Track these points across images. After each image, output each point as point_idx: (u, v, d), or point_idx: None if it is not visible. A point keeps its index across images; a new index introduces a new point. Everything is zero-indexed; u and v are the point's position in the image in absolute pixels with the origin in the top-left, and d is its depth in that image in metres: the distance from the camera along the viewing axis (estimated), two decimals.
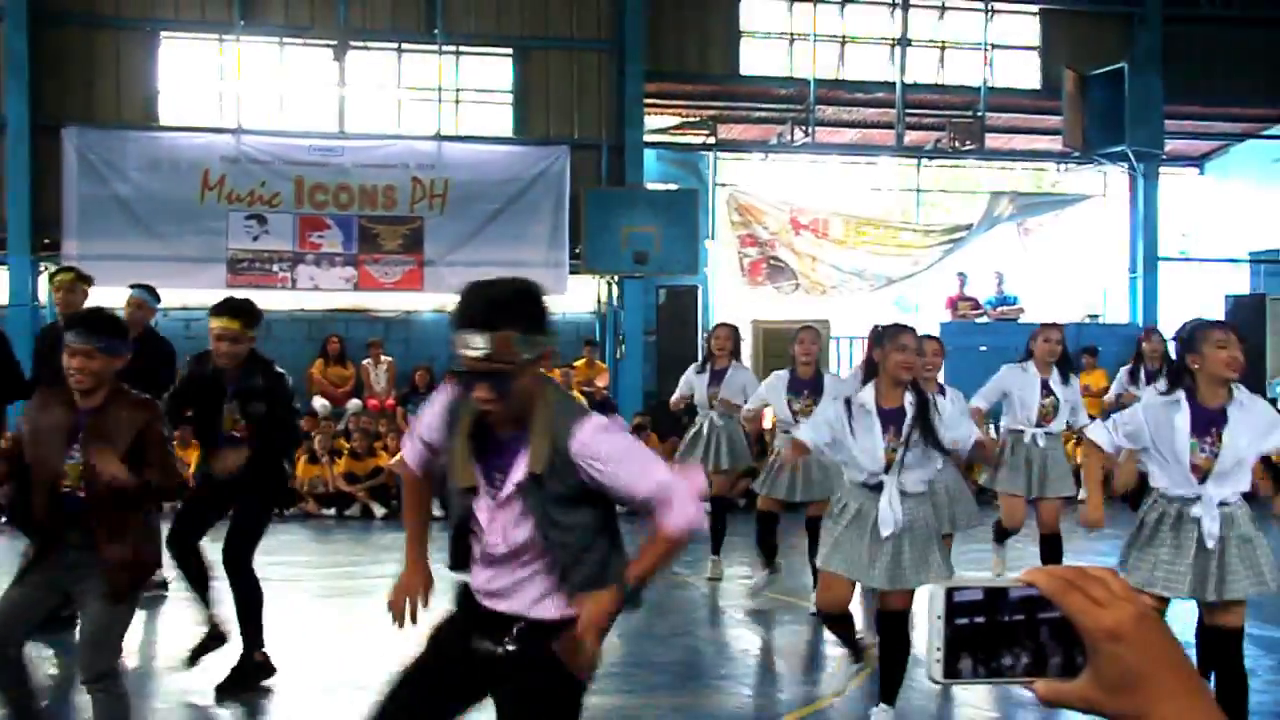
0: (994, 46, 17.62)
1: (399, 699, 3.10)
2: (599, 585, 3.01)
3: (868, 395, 5.12)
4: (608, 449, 2.97)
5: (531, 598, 3.04)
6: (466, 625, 3.13)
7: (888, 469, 5.06)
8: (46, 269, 15.01)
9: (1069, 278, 18.07)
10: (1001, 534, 8.33)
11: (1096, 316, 18.12)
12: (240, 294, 6.39)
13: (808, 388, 7.86)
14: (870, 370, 5.26)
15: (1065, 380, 7.88)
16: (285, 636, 6.36)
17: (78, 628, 4.52)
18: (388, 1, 15.89)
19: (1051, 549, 7.80)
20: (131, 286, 7.80)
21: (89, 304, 7.58)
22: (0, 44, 14.68)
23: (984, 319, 17.03)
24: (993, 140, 17.86)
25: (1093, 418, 7.34)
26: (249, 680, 5.84)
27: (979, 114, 17.32)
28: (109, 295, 8.37)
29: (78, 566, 4.30)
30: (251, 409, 5.82)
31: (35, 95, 14.68)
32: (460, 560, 3.14)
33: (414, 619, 3.20)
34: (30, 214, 14.65)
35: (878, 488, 5.08)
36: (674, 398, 9.42)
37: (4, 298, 14.65)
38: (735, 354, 9.24)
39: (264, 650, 5.94)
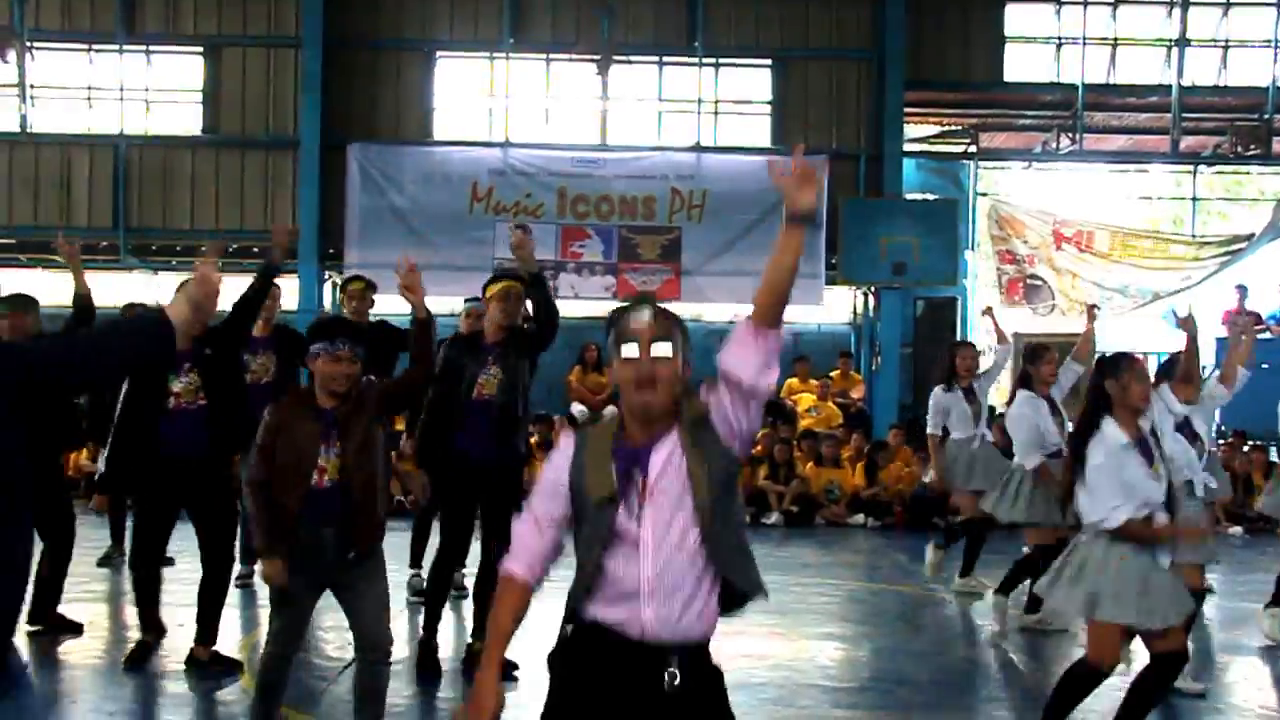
0: None
1: None
2: (747, 594, 2.94)
3: (1117, 431, 4.85)
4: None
5: (696, 611, 2.86)
6: (607, 670, 2.88)
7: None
8: (331, 277, 16.06)
9: None
10: None
11: None
12: None
13: (1049, 404, 7.60)
14: (1101, 401, 4.92)
15: None
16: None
17: (352, 614, 4.73)
18: (650, 16, 16.26)
19: None
20: (466, 300, 8.05)
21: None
22: (297, 67, 15.82)
23: (1266, 335, 15.96)
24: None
25: None
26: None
27: (1266, 116, 16.29)
28: (386, 302, 8.80)
29: (337, 565, 4.59)
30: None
31: (326, 114, 15.73)
32: (584, 599, 2.91)
33: None
34: (318, 226, 15.68)
35: (1147, 520, 4.83)
36: (932, 428, 9.02)
37: (294, 303, 15.69)
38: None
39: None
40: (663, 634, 2.83)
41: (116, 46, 16.12)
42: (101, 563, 8.92)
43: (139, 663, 6.20)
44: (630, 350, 2.92)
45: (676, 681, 2.83)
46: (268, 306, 8.13)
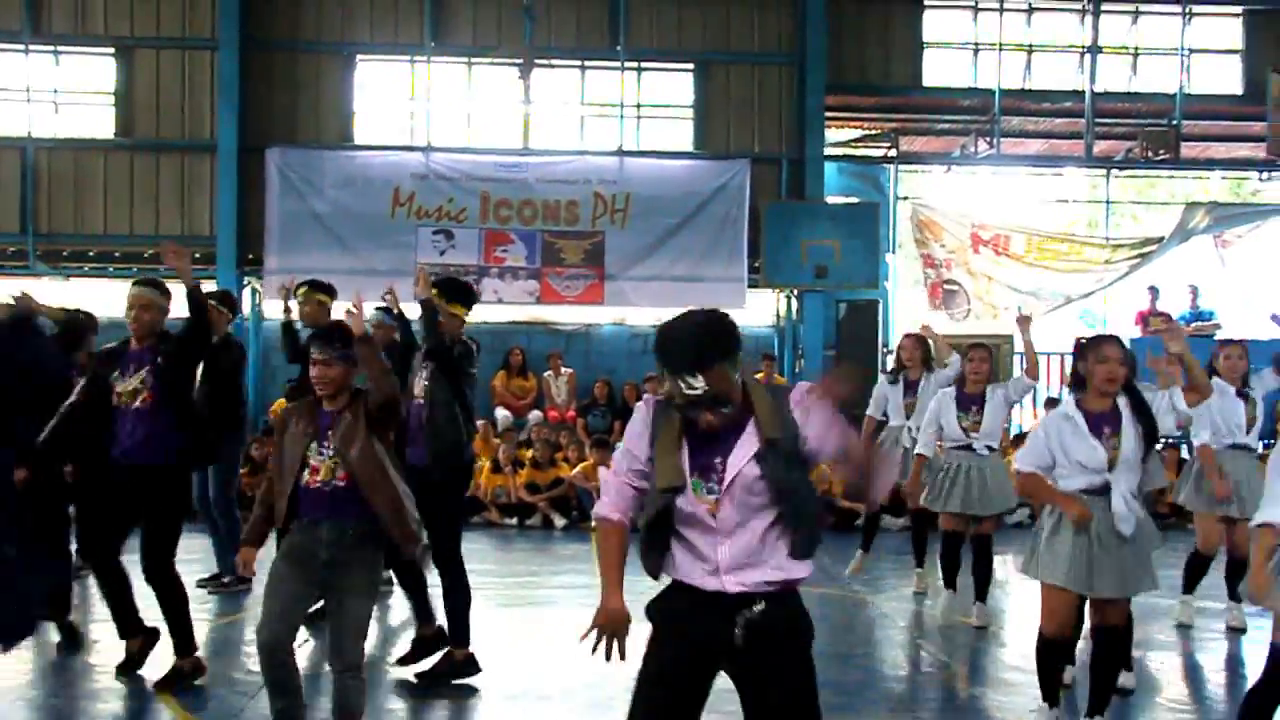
0: (1192, 51, 16.95)
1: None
2: (817, 540, 3.37)
3: (1069, 405, 5.21)
4: (811, 399, 3.30)
5: (773, 564, 3.29)
6: (691, 621, 3.32)
7: (1111, 468, 5.07)
8: (250, 283, 15.80)
9: (1270, 292, 17.22)
10: (1195, 569, 7.95)
11: None
12: None
13: (975, 404, 7.92)
14: (1078, 382, 5.25)
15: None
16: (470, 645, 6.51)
17: (330, 623, 4.75)
18: (572, 20, 16.22)
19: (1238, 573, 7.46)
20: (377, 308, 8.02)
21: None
22: (213, 69, 15.55)
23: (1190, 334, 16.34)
24: (1188, 149, 17.17)
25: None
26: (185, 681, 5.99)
27: (1174, 122, 16.69)
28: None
29: (332, 564, 4.57)
30: None
31: (243, 118, 15.47)
32: (655, 565, 3.38)
33: (621, 654, 3.34)
34: (237, 231, 15.42)
35: (1100, 492, 5.07)
36: (870, 413, 9.25)
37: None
38: (926, 364, 9.14)
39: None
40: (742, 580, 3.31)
41: (22, 46, 15.71)
42: None
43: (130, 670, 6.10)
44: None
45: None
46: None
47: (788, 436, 3.26)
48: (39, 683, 6.25)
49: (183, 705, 5.72)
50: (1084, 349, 5.24)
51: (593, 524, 3.44)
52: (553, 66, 16.40)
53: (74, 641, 6.75)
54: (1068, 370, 6.61)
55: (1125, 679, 6.16)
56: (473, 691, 6.09)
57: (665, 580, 3.41)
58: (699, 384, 3.16)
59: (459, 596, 6.18)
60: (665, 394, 3.29)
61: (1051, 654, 5.24)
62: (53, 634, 6.75)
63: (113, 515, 6.04)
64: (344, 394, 4.70)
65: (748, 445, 3.26)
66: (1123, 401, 5.15)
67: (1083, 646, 5.99)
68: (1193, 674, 7.10)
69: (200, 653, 6.18)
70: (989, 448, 7.93)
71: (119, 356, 6.08)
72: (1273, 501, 4.45)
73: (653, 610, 3.40)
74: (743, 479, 3.25)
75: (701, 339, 3.21)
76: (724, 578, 3.27)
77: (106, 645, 6.75)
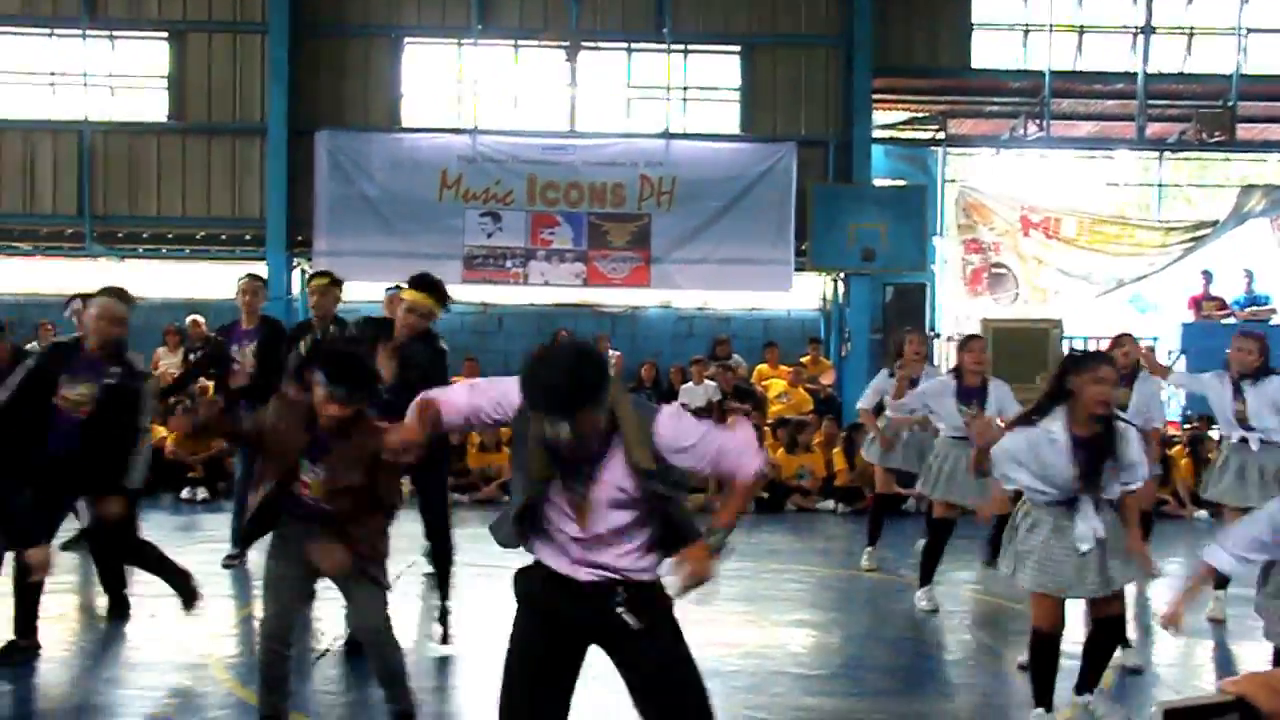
0: (1250, 31, 16.66)
1: (523, 694, 3.46)
2: (686, 543, 3.42)
3: (1057, 425, 5.04)
4: (682, 435, 3.36)
5: (630, 566, 3.41)
6: (554, 602, 3.46)
7: (1083, 489, 5.03)
8: (300, 265, 15.97)
9: None
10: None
11: None
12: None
13: (975, 396, 7.86)
14: (1057, 395, 5.08)
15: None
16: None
17: (346, 597, 4.81)
18: (618, 2, 16.23)
19: None
20: (389, 288, 8.19)
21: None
22: (264, 53, 15.71)
23: (1230, 320, 16.14)
24: (1244, 131, 16.89)
25: None
26: None
27: (1229, 103, 16.43)
28: (356, 290, 8.83)
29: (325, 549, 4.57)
30: None
31: (293, 102, 15.62)
32: (516, 541, 3.49)
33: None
34: (286, 214, 15.59)
35: (1069, 503, 5.06)
36: (862, 405, 9.25)
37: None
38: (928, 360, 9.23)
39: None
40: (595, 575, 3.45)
41: (79, 31, 15.94)
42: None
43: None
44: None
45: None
46: (247, 302, 8.40)
47: (654, 465, 3.33)
48: (89, 652, 6.37)
49: (235, 677, 5.83)
50: (1076, 365, 5.07)
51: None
52: (599, 49, 16.41)
53: (122, 611, 6.88)
54: None
55: (1131, 659, 6.29)
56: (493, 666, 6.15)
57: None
58: (564, 430, 3.15)
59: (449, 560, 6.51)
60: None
61: (1047, 650, 5.23)
62: (101, 603, 6.92)
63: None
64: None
65: (614, 467, 3.33)
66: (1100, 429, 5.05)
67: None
68: (1226, 668, 7.01)
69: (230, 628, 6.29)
70: None
71: (70, 356, 6.01)
72: (1225, 539, 4.43)
73: (518, 586, 3.54)
74: (606, 490, 3.34)
75: (570, 386, 3.17)
76: (578, 568, 3.42)
77: (162, 616, 6.89)
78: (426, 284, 6.29)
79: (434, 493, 6.47)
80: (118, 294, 6.30)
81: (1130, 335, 8.27)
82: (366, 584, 4.64)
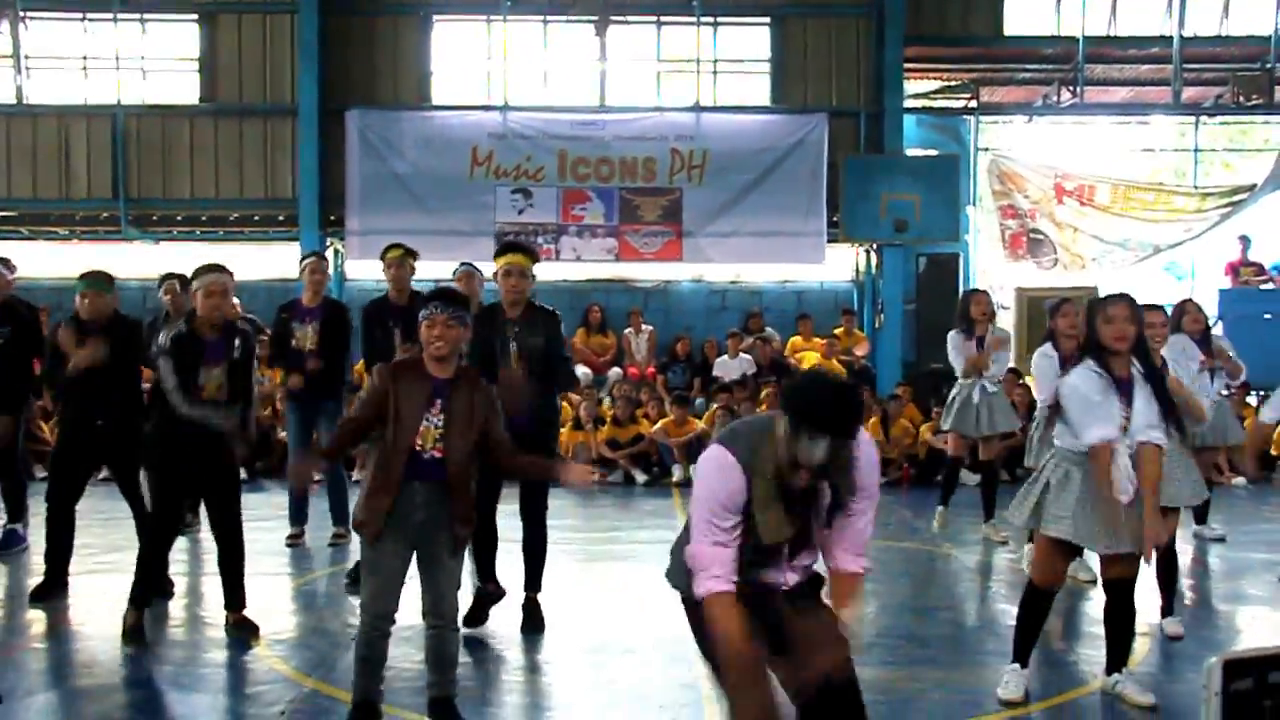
0: None
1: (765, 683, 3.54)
2: None
3: (1093, 366, 5.03)
4: (872, 462, 3.58)
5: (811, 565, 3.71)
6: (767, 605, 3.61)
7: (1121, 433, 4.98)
8: (333, 244, 16.05)
9: None
10: None
11: None
12: None
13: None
14: (1091, 345, 5.07)
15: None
16: (553, 599, 6.63)
17: (425, 581, 4.75)
18: None
19: None
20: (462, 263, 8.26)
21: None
22: (294, 33, 15.75)
23: (1269, 285, 15.97)
24: None
25: None
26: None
27: (1268, 65, 16.19)
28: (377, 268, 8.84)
29: (426, 524, 4.60)
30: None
31: (324, 80, 15.67)
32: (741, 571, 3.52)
33: None
34: (319, 193, 15.65)
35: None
36: (962, 366, 9.15)
37: (296, 271, 15.68)
38: (992, 318, 9.23)
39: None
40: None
41: (111, 15, 16.03)
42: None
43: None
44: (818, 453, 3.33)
45: None
46: (316, 280, 8.56)
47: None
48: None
49: (279, 656, 5.90)
50: (1091, 311, 5.09)
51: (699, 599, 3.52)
52: (628, 23, 16.35)
53: (165, 592, 6.95)
54: None
55: (1172, 627, 6.31)
56: (556, 646, 6.20)
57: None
58: (823, 453, 3.29)
59: (543, 547, 6.52)
60: (777, 454, 3.38)
61: (1040, 605, 5.26)
62: None
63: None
64: (453, 360, 4.67)
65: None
66: (1135, 368, 5.04)
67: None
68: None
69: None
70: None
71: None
72: None
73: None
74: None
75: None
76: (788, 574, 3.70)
77: (206, 597, 6.98)
78: (518, 246, 6.33)
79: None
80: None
81: (1194, 301, 8.50)
82: (448, 564, 4.66)
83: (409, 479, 4.56)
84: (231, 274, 6.21)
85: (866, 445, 3.50)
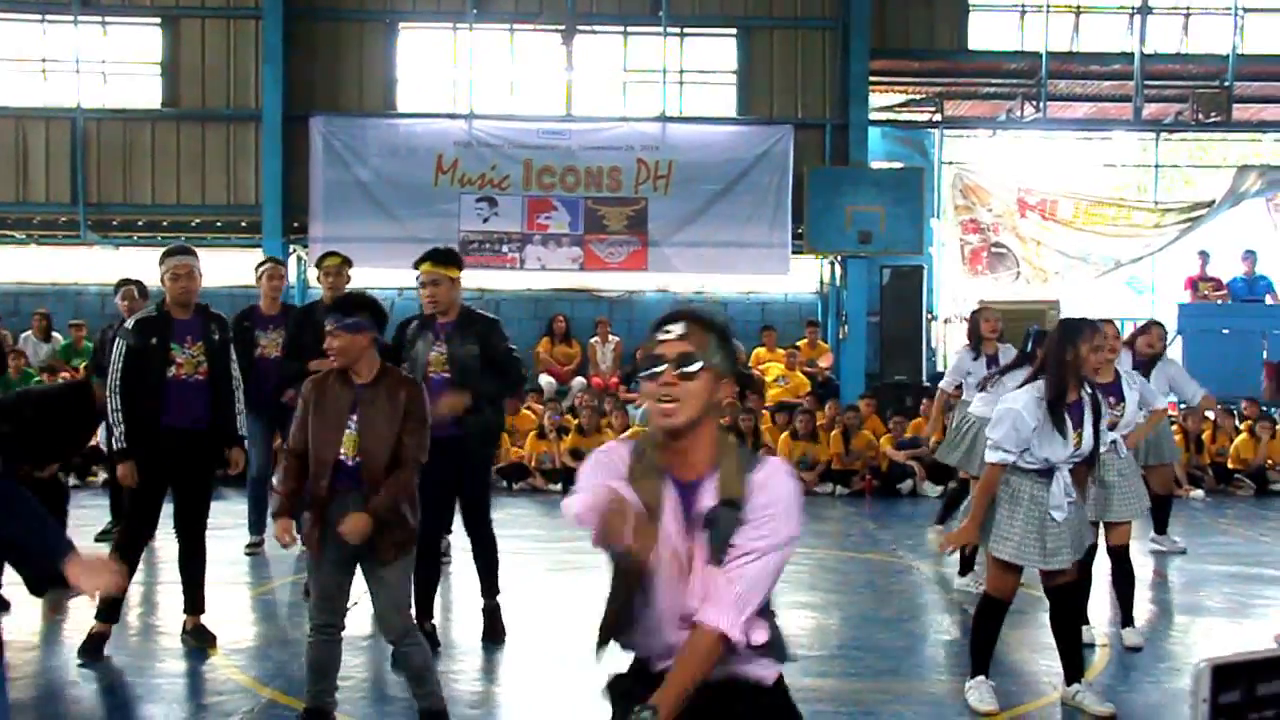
0: (1246, 11, 16.63)
1: None
2: None
3: (1039, 389, 5.11)
4: (777, 494, 2.65)
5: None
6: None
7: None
8: (295, 251, 15.93)
9: None
10: None
11: None
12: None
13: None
14: (1060, 366, 5.07)
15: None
16: (515, 610, 6.60)
17: (371, 596, 4.76)
18: None
19: None
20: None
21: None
22: (258, 38, 15.64)
23: (1224, 300, 16.13)
24: (1241, 111, 16.89)
25: None
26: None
27: (1227, 83, 16.40)
28: (357, 276, 8.80)
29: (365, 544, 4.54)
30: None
31: (288, 86, 15.56)
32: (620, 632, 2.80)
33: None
34: (282, 200, 15.53)
35: (1047, 473, 5.12)
36: (945, 384, 8.92)
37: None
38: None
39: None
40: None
41: (71, 17, 15.85)
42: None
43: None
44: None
45: None
46: (274, 286, 8.65)
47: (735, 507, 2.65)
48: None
49: (237, 665, 5.83)
50: (1071, 334, 5.08)
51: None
52: (595, 32, 16.35)
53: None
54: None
55: (1132, 638, 6.37)
56: (516, 656, 6.16)
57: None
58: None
59: (492, 554, 6.39)
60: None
61: (997, 618, 5.34)
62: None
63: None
64: (368, 365, 4.62)
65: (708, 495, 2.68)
66: (1085, 392, 5.15)
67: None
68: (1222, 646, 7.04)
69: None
70: None
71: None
72: None
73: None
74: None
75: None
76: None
77: (162, 606, 6.88)
78: (434, 255, 6.20)
79: (478, 475, 6.29)
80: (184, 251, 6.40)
81: (1159, 324, 8.29)
82: (387, 577, 4.61)
83: (335, 488, 4.57)
84: (197, 256, 6.25)
85: (776, 476, 2.68)
